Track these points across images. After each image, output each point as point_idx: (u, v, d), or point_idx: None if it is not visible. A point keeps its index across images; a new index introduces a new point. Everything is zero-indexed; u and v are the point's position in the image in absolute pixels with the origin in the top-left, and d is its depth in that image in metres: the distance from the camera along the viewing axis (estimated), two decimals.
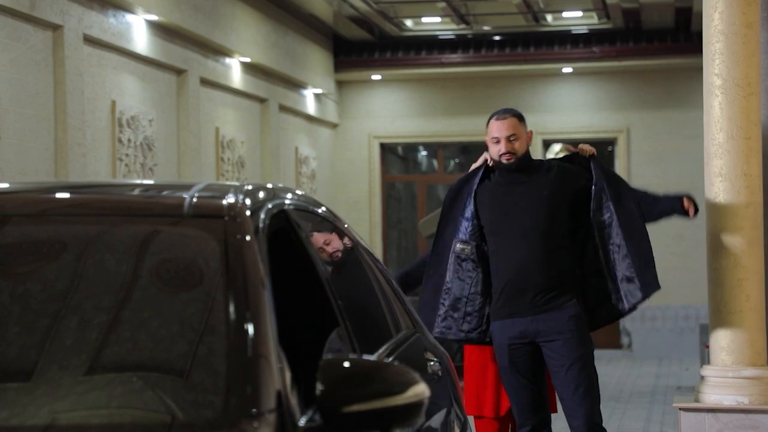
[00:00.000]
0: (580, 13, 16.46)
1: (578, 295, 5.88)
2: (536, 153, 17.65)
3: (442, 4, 15.44)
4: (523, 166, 5.86)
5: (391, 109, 18.00)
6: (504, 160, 5.83)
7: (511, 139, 5.82)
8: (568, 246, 5.90)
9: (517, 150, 5.82)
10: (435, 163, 18.96)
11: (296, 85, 15.97)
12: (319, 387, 2.52)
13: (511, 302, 5.83)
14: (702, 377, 6.72)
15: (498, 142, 5.85)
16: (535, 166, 5.95)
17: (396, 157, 19.18)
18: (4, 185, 3.36)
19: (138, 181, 3.62)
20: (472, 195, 5.90)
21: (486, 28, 17.02)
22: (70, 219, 3.04)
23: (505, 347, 5.82)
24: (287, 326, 2.77)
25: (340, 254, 4.07)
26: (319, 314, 3.26)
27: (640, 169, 17.16)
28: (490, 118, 5.94)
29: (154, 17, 11.31)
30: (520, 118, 5.91)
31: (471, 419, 5.87)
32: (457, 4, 15.47)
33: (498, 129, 5.85)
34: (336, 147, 18.08)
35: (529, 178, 5.88)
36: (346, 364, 2.58)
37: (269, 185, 3.38)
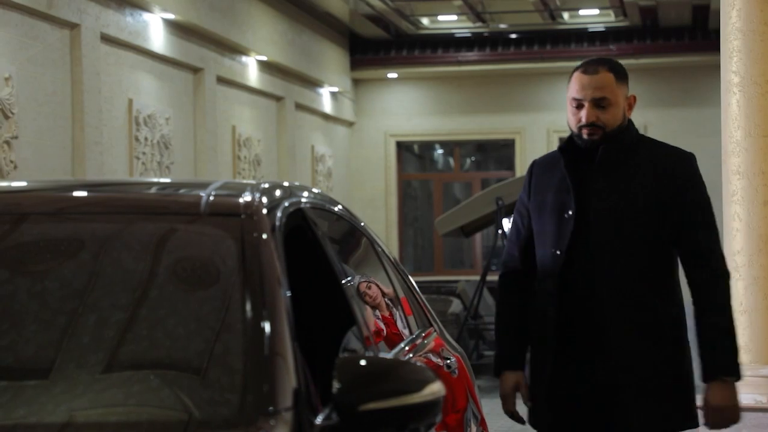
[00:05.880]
0: (596, 11, 16.43)
1: None
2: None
3: (459, 2, 15.42)
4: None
5: (408, 108, 18.00)
6: (584, 135, 3.86)
7: (602, 104, 3.84)
8: None
9: (605, 122, 3.85)
10: (451, 161, 18.95)
11: (312, 84, 15.98)
12: (335, 385, 2.52)
13: None
14: None
15: (580, 106, 3.85)
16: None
17: (412, 155, 19.17)
18: (22, 183, 3.38)
19: (155, 180, 3.62)
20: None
21: (502, 26, 17.00)
22: (87, 217, 3.04)
23: None
24: (304, 324, 2.77)
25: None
26: (336, 312, 3.26)
27: None
28: (575, 69, 3.90)
29: (170, 16, 11.33)
30: (619, 74, 3.89)
31: None
32: (474, 2, 15.45)
33: (581, 87, 3.83)
34: (352, 145, 18.08)
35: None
36: (363, 363, 2.58)
37: (286, 183, 3.37)
